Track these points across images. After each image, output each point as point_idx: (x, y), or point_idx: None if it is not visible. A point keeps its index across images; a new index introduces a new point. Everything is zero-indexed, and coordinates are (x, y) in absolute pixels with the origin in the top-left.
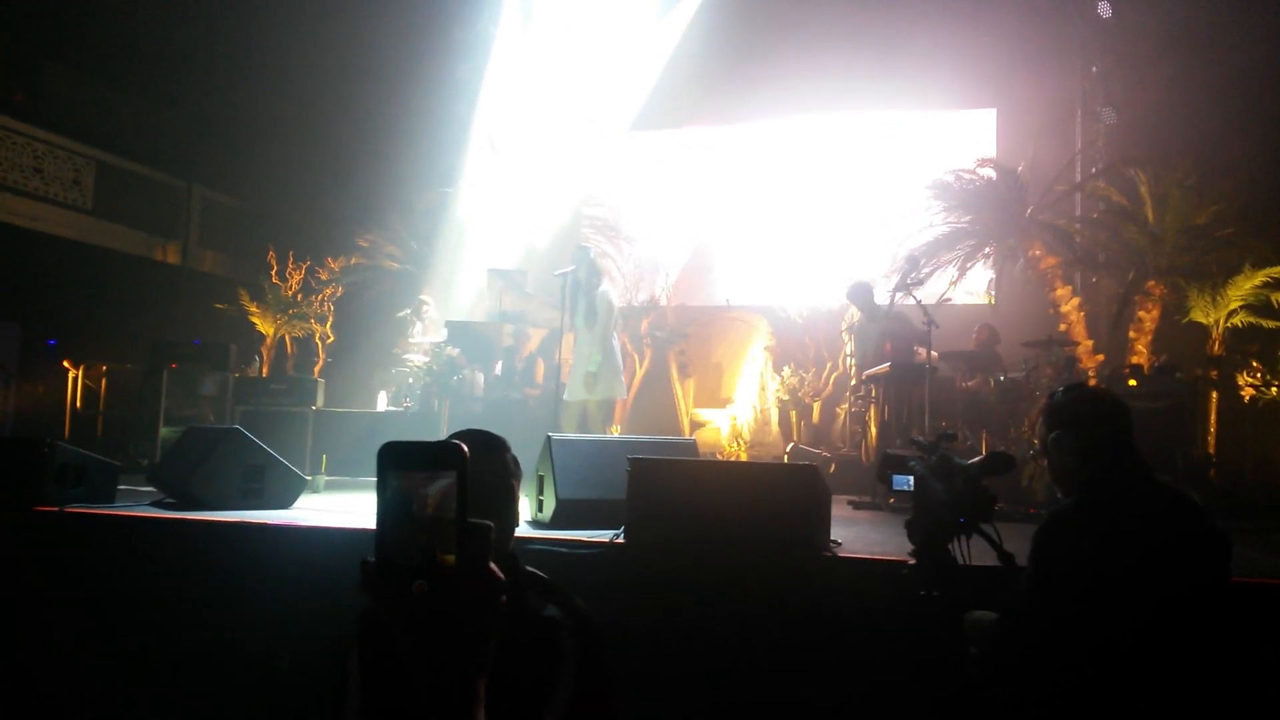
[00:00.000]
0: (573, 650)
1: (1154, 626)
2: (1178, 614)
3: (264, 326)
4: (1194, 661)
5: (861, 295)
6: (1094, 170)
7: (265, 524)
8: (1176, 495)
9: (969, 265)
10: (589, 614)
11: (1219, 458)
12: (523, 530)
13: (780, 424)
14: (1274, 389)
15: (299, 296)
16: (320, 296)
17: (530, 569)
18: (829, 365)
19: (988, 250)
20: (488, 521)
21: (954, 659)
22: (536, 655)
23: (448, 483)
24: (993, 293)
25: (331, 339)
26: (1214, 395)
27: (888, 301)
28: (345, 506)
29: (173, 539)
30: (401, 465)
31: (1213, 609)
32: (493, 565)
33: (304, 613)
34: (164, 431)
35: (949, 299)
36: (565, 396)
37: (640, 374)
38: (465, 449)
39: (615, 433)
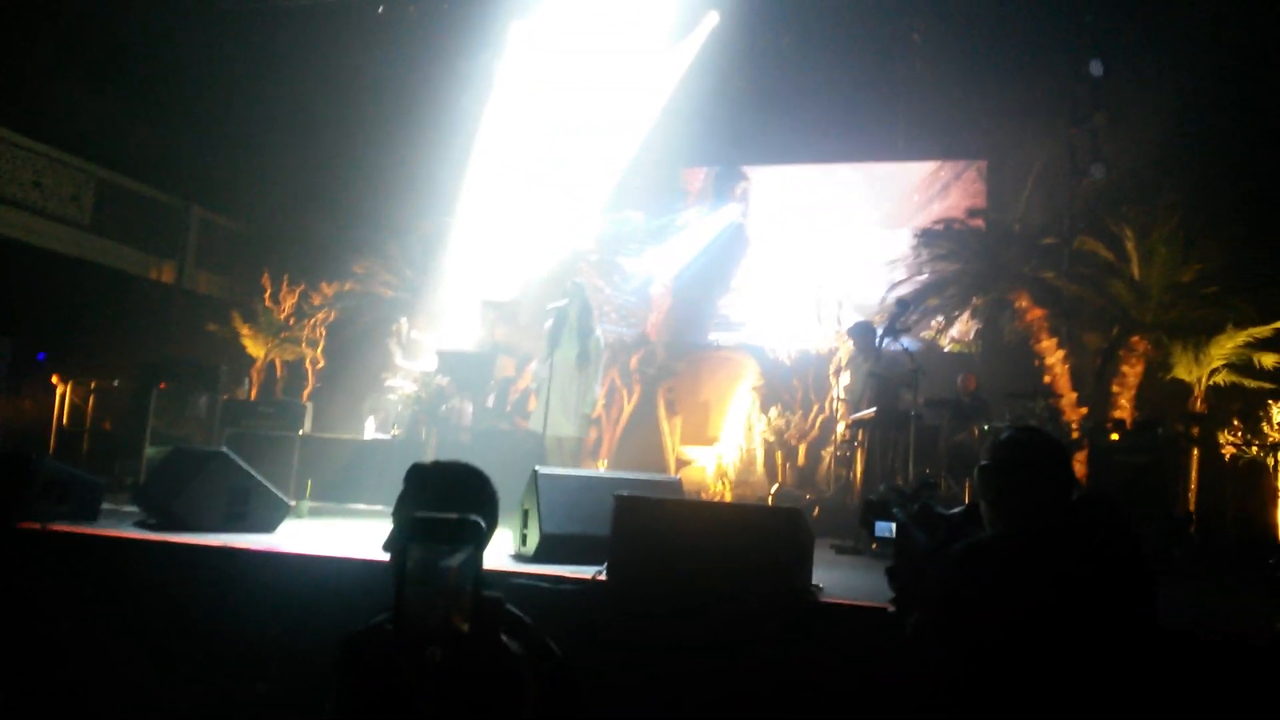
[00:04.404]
0: (534, 690)
1: (1049, 665)
2: (1080, 652)
3: (255, 349)
4: (1098, 700)
5: (860, 334)
6: (1082, 225)
7: (247, 549)
8: (1105, 540)
9: (956, 313)
10: (556, 653)
11: (1199, 513)
12: (506, 564)
13: (766, 465)
14: (1254, 448)
15: (291, 320)
16: (313, 321)
17: (507, 606)
18: (815, 408)
19: (974, 300)
20: (498, 594)
21: (934, 705)
22: (501, 693)
23: (465, 554)
24: (979, 342)
25: (322, 364)
26: (1195, 452)
27: (880, 345)
28: (328, 533)
29: (155, 560)
30: (426, 538)
31: (1124, 651)
32: (504, 637)
33: (282, 638)
34: (150, 451)
35: (937, 345)
36: (550, 431)
37: (628, 409)
38: (483, 524)
39: (603, 467)
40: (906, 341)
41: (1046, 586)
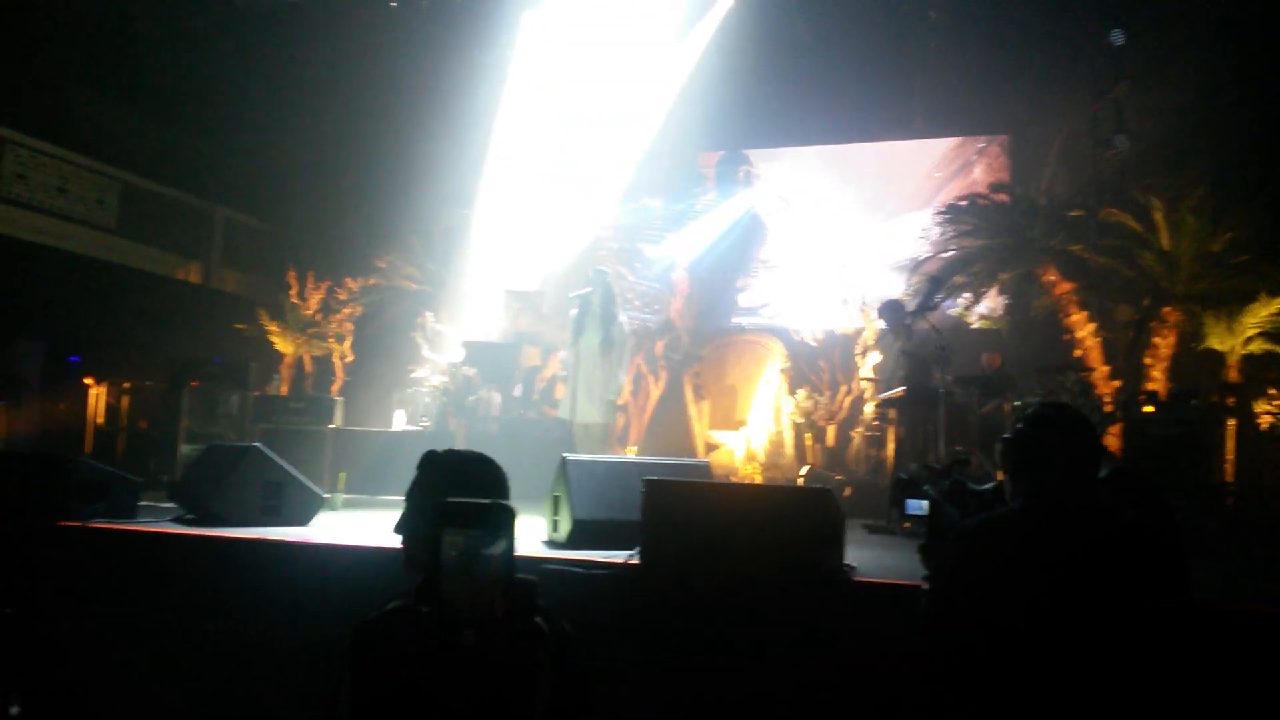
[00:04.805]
0: (550, 672)
1: (1062, 642)
2: (1096, 631)
3: (283, 346)
4: (1117, 682)
5: (891, 312)
6: (1108, 196)
7: (284, 541)
8: (1134, 517)
9: (983, 289)
10: (571, 635)
11: (1236, 485)
12: (538, 550)
13: (795, 447)
14: None
15: (318, 316)
16: (339, 316)
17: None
18: (843, 388)
19: (1002, 275)
20: (532, 578)
21: (945, 686)
22: (521, 675)
23: (506, 541)
24: (1007, 317)
25: (350, 358)
26: (1231, 422)
27: (909, 323)
28: (363, 524)
29: (193, 555)
30: (459, 523)
31: (1143, 629)
32: (538, 619)
33: (320, 629)
34: (184, 449)
35: (964, 322)
36: (577, 419)
37: (655, 396)
38: (514, 510)
39: (632, 453)
40: (934, 318)
41: (1061, 563)
